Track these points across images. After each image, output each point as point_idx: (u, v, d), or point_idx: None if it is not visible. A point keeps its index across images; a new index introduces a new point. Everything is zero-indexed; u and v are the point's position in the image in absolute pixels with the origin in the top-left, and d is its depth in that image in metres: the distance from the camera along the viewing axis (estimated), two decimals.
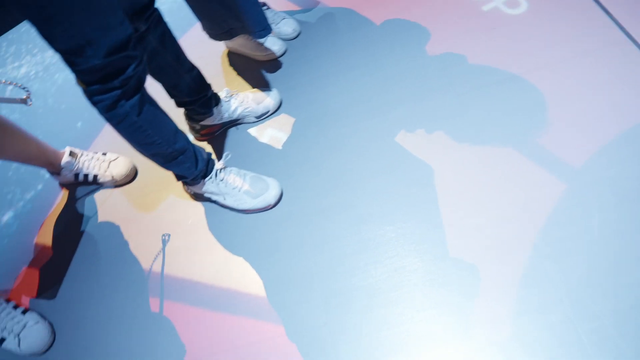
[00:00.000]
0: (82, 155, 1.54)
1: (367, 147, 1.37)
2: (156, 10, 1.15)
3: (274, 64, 1.67)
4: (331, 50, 1.64)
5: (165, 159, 1.18)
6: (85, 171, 1.53)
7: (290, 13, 1.82)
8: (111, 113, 1.00)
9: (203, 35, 1.55)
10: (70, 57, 0.87)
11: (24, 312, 1.33)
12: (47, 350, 1.29)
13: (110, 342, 1.26)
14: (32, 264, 1.47)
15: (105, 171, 1.52)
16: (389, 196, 1.27)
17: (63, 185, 1.62)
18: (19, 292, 1.42)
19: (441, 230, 1.18)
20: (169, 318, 1.25)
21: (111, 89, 0.95)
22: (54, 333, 1.32)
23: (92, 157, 1.54)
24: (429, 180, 1.26)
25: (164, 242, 1.38)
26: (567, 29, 1.44)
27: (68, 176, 1.54)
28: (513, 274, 1.08)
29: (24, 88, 0.92)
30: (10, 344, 1.28)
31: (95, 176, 1.53)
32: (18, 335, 1.28)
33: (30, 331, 1.28)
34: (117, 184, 1.54)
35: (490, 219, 1.17)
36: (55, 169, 1.51)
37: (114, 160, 1.54)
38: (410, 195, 1.25)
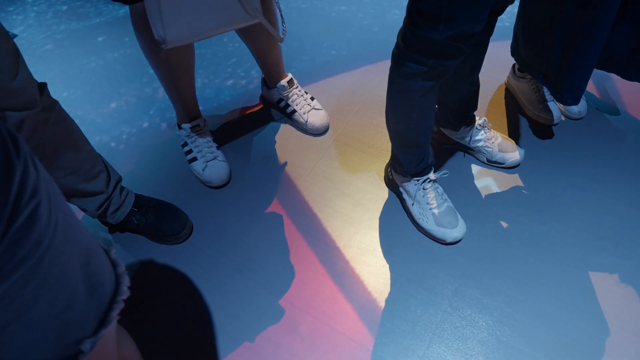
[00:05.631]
0: (296, 87, 1.60)
1: (564, 268, 1.24)
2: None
3: (540, 128, 1.56)
4: (602, 159, 1.47)
5: (400, 140, 1.20)
6: (288, 102, 1.60)
7: (585, 94, 1.67)
8: (402, 79, 1.02)
9: (501, 54, 1.47)
10: (419, 19, 0.88)
11: (218, 147, 1.52)
12: (218, 187, 1.47)
13: (235, 229, 1.38)
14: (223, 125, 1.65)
15: (304, 114, 1.58)
16: (550, 325, 1.15)
17: (263, 97, 1.74)
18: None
19: None
20: (289, 249, 1.32)
21: (421, 63, 0.96)
22: (230, 177, 1.49)
23: (302, 95, 1.60)
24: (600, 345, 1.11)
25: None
26: None
27: (273, 95, 1.63)
28: None
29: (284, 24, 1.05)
30: (197, 165, 1.48)
31: (293, 111, 1.60)
32: (207, 162, 1.46)
33: (217, 164, 1.46)
34: (305, 130, 1.60)
35: None
36: (270, 83, 1.61)
37: (317, 109, 1.59)
38: (571, 339, 1.12)
